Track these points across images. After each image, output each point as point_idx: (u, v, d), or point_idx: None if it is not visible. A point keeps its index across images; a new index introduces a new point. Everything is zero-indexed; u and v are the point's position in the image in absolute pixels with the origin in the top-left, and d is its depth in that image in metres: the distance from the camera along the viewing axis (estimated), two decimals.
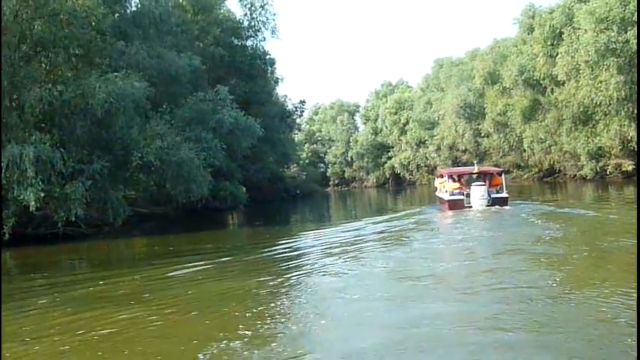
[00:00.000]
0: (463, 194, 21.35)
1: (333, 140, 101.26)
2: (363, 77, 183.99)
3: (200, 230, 25.19)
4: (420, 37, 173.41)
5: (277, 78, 58.02)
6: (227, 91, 31.22)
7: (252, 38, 41.02)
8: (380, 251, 12.96)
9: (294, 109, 46.55)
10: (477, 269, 9.59)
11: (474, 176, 23.82)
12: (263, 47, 41.56)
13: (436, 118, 70.03)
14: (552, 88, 44.28)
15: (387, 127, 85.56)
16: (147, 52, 28.57)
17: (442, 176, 24.82)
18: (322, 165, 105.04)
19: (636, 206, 13.03)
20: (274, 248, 14.92)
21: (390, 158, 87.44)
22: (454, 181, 22.42)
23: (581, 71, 38.86)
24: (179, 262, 13.26)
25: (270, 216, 35.59)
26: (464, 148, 63.82)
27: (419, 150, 77.34)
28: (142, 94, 24.22)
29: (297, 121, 61.58)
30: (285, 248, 14.90)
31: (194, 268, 11.98)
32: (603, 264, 9.57)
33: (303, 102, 47.41)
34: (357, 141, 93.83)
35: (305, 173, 68.57)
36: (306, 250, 14.70)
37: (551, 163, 48.75)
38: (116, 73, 22.41)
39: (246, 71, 40.33)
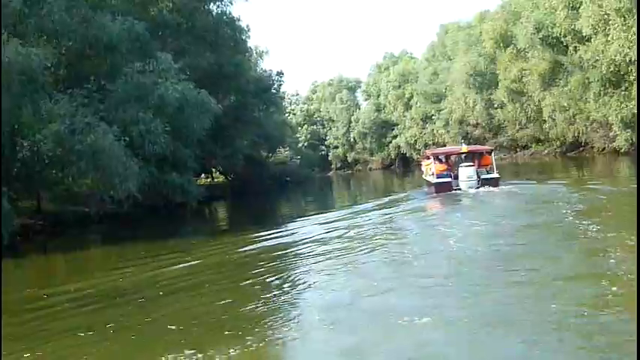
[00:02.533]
0: (451, 176, 20.50)
1: (333, 120, 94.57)
2: (365, 51, 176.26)
3: (116, 241, 19.11)
4: (423, 3, 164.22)
5: (262, 51, 52.22)
6: (171, 60, 25.01)
7: (216, 2, 34.49)
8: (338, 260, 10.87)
9: (270, 82, 39.98)
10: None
11: (463, 156, 22.24)
12: (230, 12, 35.04)
13: (443, 90, 63.19)
14: (575, 46, 37.43)
15: (390, 103, 78.69)
16: (68, 14, 22.60)
17: (428, 158, 23.43)
18: (323, 147, 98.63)
19: (636, 207, 10.83)
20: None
21: (395, 137, 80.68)
22: (440, 162, 21.46)
23: (611, 22, 32.07)
24: None
25: (239, 211, 29.85)
26: (475, 121, 57.05)
27: (425, 126, 70.55)
28: (39, 66, 18.25)
29: (290, 99, 55.26)
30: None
31: None
32: None
33: (280, 74, 41.08)
34: (358, 120, 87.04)
35: (299, 157, 62.25)
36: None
37: (576, 134, 41.96)
38: None
39: (211, 40, 33.88)
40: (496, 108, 51.74)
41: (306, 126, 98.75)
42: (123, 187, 18.80)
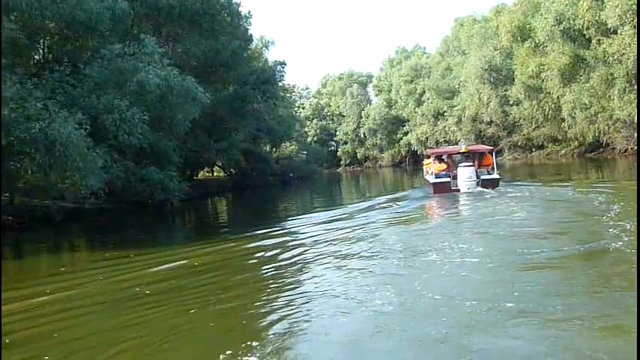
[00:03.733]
0: (450, 176, 19.92)
1: (343, 115, 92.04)
2: (377, 45, 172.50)
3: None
4: None
5: (267, 41, 49.93)
6: (155, 43, 22.79)
7: None
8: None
9: (271, 72, 37.54)
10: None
11: (463, 156, 21.26)
12: None
13: (456, 86, 60.49)
14: (599, 39, 34.80)
15: (401, 99, 76.03)
16: None
17: (429, 157, 22.82)
18: (333, 143, 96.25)
19: (636, 207, 10.17)
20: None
21: (405, 134, 78.10)
22: (440, 162, 20.84)
23: None
24: None
25: (230, 209, 27.64)
26: (489, 119, 54.28)
27: (437, 123, 67.91)
28: None
29: (294, 90, 52.83)
30: None
31: None
32: None
33: (282, 64, 38.69)
34: (368, 115, 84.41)
35: (305, 153, 59.93)
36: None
37: (597, 134, 39.23)
38: None
39: (208, 26, 31.58)
40: (511, 105, 49.02)
41: (315, 120, 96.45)
42: (84, 183, 16.55)
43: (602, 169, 31.80)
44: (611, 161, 36.40)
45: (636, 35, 27.03)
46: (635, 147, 35.50)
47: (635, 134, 33.75)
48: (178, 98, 22.37)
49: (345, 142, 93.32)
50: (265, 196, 35.29)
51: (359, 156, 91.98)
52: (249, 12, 35.23)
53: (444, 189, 19.36)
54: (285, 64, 38.13)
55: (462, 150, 20.95)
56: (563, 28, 36.47)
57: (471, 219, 13.89)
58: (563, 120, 41.44)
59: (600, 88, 35.14)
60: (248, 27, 37.10)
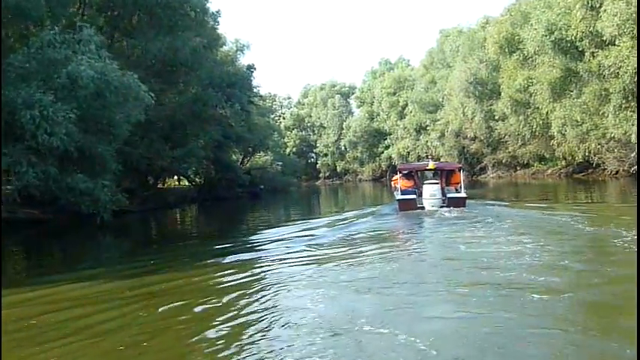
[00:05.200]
0: (416, 193, 19.36)
1: (324, 127, 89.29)
2: (361, 56, 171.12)
3: None
4: (423, 10, 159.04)
5: (242, 45, 46.97)
6: (93, 32, 19.70)
7: None
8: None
9: (238, 76, 34.43)
10: None
11: (431, 173, 21.54)
12: None
13: (440, 99, 58.09)
14: (593, 52, 32.29)
15: (383, 111, 73.56)
16: None
17: (398, 172, 21.71)
18: (313, 155, 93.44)
19: (636, 208, 10.79)
20: None
21: (387, 148, 75.56)
22: (407, 178, 20.24)
23: None
24: None
25: (175, 224, 24.47)
26: (473, 134, 51.78)
27: (419, 138, 65.38)
28: None
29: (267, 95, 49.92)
30: None
31: None
32: None
33: (251, 67, 35.63)
34: (350, 127, 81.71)
35: (280, 164, 56.93)
36: None
37: (587, 153, 36.64)
38: None
39: (168, 21, 28.51)
40: (497, 120, 46.53)
41: (295, 131, 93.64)
42: None
43: (591, 190, 29.26)
44: (602, 183, 33.87)
45: (636, 46, 24.56)
46: (628, 169, 33.13)
47: (632, 154, 31.23)
48: (117, 96, 19.28)
49: (325, 155, 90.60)
50: (227, 209, 32.20)
51: (339, 169, 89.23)
52: (219, 10, 32.12)
53: (410, 206, 18.50)
54: (255, 68, 35.19)
55: (430, 167, 20.41)
56: (555, 39, 33.92)
57: (415, 242, 12.30)
58: (551, 137, 38.89)
59: (593, 104, 32.61)
60: (216, 26, 34.11)
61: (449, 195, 18.78)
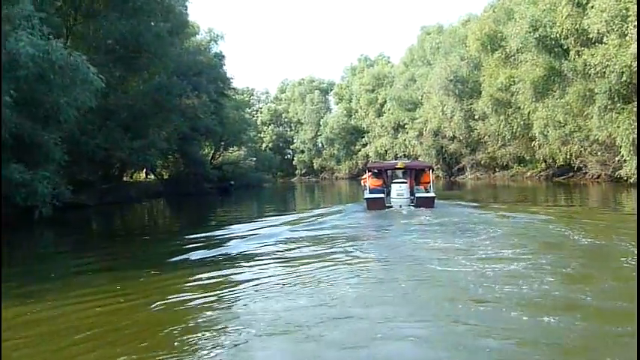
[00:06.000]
0: (385, 192, 19.36)
1: (301, 123, 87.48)
2: (341, 52, 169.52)
3: None
4: (405, 6, 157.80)
5: (216, 34, 45.01)
6: (32, 8, 17.68)
7: None
8: None
9: (207, 65, 32.44)
10: None
11: (401, 172, 20.75)
12: None
13: (419, 97, 56.70)
14: (578, 51, 31.04)
15: (361, 108, 71.99)
16: None
17: (367, 171, 21.64)
18: (289, 151, 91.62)
19: (636, 210, 10.94)
20: None
21: (364, 146, 74.06)
22: (377, 177, 20.15)
23: (630, 19, 25.71)
24: None
25: (124, 221, 22.57)
26: (452, 134, 50.47)
27: (397, 136, 63.98)
28: None
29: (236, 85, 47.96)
30: None
31: None
32: None
33: (220, 56, 33.69)
34: (327, 124, 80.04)
35: (254, 159, 55.12)
36: None
37: (568, 156, 35.46)
38: None
39: (131, 4, 26.44)
40: (477, 120, 45.27)
41: (272, 126, 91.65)
42: None
43: (571, 194, 28.07)
44: (582, 187, 32.71)
45: (637, 36, 23.12)
46: (612, 173, 31.95)
47: (617, 158, 29.94)
48: (63, 78, 17.33)
49: (302, 151, 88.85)
50: (191, 205, 30.36)
51: (315, 166, 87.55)
52: None
53: (377, 205, 18.43)
54: (223, 56, 33.24)
55: (399, 165, 20.42)
56: (539, 36, 32.62)
57: (376, 241, 12.20)
58: (532, 139, 37.64)
59: (577, 105, 31.33)
60: (185, 11, 32.14)
61: (417, 194, 18.77)
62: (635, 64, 25.45)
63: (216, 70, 34.85)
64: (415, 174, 20.12)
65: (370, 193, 19.32)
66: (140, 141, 26.05)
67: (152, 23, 26.31)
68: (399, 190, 18.71)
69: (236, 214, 24.00)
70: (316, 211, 20.29)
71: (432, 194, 18.93)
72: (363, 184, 22.51)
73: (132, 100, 26.97)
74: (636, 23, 24.08)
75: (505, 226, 13.17)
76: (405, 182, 19.28)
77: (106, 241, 16.11)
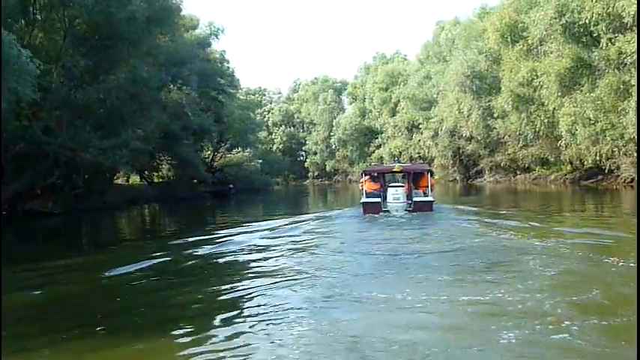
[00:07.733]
0: (381, 196, 18.67)
1: (314, 123, 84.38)
2: (356, 50, 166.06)
3: None
4: (423, 2, 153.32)
5: (217, 28, 42.08)
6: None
7: None
8: None
9: (189, 52, 29.43)
10: None
11: (398, 176, 21.66)
12: None
13: (435, 95, 53.21)
14: (611, 38, 27.60)
15: (375, 108, 68.66)
16: None
17: (365, 175, 20.55)
18: (302, 153, 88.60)
19: (637, 211, 10.42)
20: None
21: (378, 147, 70.72)
22: (374, 181, 19.20)
23: None
24: None
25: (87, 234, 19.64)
26: (469, 134, 46.87)
27: (412, 137, 60.53)
28: None
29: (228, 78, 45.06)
30: None
31: None
32: None
33: (206, 44, 30.64)
34: (340, 124, 76.83)
35: (260, 161, 52.17)
36: None
37: (599, 157, 31.79)
38: None
39: None
40: (496, 118, 41.66)
41: (283, 127, 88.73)
42: None
43: (611, 201, 24.45)
44: (615, 192, 29.08)
45: (637, 36, 19.93)
46: None
47: None
48: None
49: (315, 153, 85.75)
50: (175, 211, 27.45)
51: (328, 168, 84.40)
52: None
53: (374, 209, 17.91)
54: (210, 44, 30.13)
55: (395, 169, 20.50)
56: (566, 22, 29.22)
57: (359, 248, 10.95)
58: (557, 138, 34.03)
59: (609, 99, 27.81)
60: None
61: (415, 199, 18.31)
62: None
63: (215, 65, 31.79)
64: (413, 177, 19.59)
65: (367, 197, 18.75)
66: (109, 140, 23.08)
67: (125, 5, 23.29)
68: (395, 194, 18.29)
69: (219, 221, 21.28)
70: (311, 215, 19.61)
71: (430, 198, 18.49)
72: (361, 188, 21.50)
73: (104, 94, 24.05)
74: (636, 23, 20.70)
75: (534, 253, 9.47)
76: (402, 186, 19.01)
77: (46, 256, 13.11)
